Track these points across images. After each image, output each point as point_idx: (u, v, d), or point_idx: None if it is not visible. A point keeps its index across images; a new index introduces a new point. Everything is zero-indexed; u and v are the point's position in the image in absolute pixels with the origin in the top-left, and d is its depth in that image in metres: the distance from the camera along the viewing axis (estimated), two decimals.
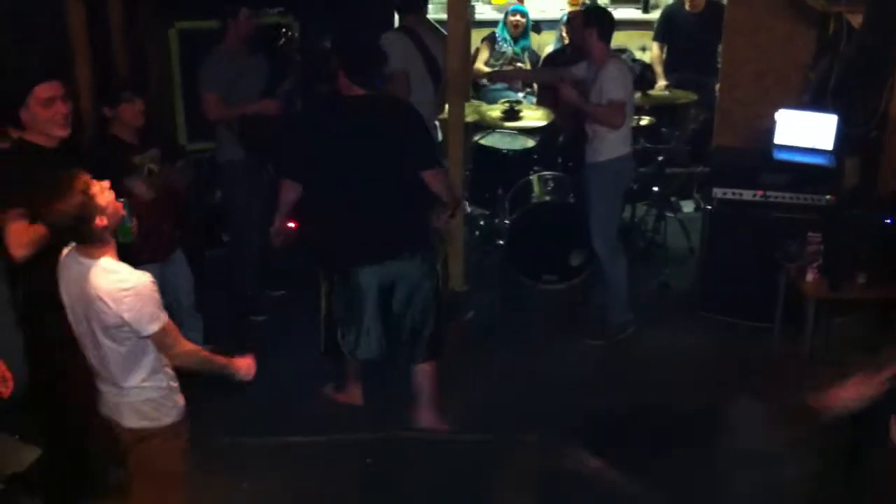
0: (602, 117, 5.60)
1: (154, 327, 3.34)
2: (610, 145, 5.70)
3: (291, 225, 6.57)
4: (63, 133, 3.99)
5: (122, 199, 4.17)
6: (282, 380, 5.00)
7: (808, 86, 6.28)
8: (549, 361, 5.69)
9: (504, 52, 8.57)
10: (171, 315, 5.11)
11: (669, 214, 7.31)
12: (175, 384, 3.59)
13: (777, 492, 4.38)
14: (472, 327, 6.13)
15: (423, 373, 4.91)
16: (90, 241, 3.34)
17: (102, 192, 3.38)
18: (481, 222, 7.09)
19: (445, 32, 6.00)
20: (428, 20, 6.42)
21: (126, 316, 3.28)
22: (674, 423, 4.87)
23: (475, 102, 7.74)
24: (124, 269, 3.35)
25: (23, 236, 3.72)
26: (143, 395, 3.50)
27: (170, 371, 3.56)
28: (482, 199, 7.04)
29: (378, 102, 4.73)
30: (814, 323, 5.26)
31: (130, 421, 3.54)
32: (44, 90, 3.93)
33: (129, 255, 4.74)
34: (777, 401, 4.80)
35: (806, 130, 5.99)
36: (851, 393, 3.45)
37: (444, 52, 5.92)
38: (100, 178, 4.61)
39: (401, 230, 4.74)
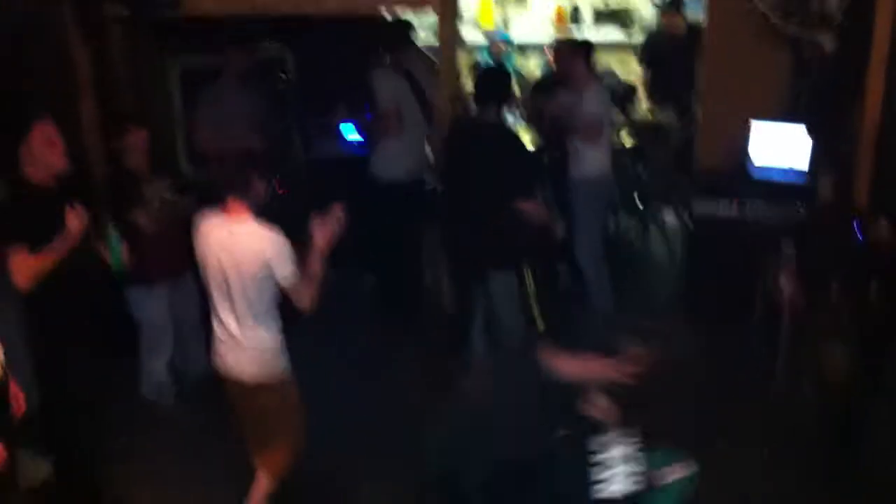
0: (586, 133, 5.91)
1: (289, 274, 3.88)
2: (591, 162, 6.01)
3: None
4: (61, 165, 4.20)
5: (112, 231, 4.45)
6: None
7: (784, 108, 6.50)
8: None
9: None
10: (178, 331, 5.42)
11: (653, 228, 7.54)
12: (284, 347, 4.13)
13: None
14: None
15: None
16: (245, 194, 3.89)
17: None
18: None
19: (434, 59, 6.25)
20: (417, 50, 6.67)
21: (268, 258, 3.82)
22: None
23: None
24: (262, 225, 3.88)
25: (26, 268, 4.04)
26: (266, 346, 4.04)
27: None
28: None
29: (491, 129, 5.20)
30: (789, 324, 5.49)
31: (252, 371, 4.05)
32: (43, 128, 4.15)
33: (143, 277, 5.04)
34: None
35: (781, 148, 6.22)
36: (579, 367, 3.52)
37: (432, 81, 6.18)
38: (113, 208, 4.92)
39: (499, 245, 5.24)
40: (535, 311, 5.47)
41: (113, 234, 4.46)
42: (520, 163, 5.29)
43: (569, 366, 3.39)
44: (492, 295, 5.37)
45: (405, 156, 6.16)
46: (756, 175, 6.26)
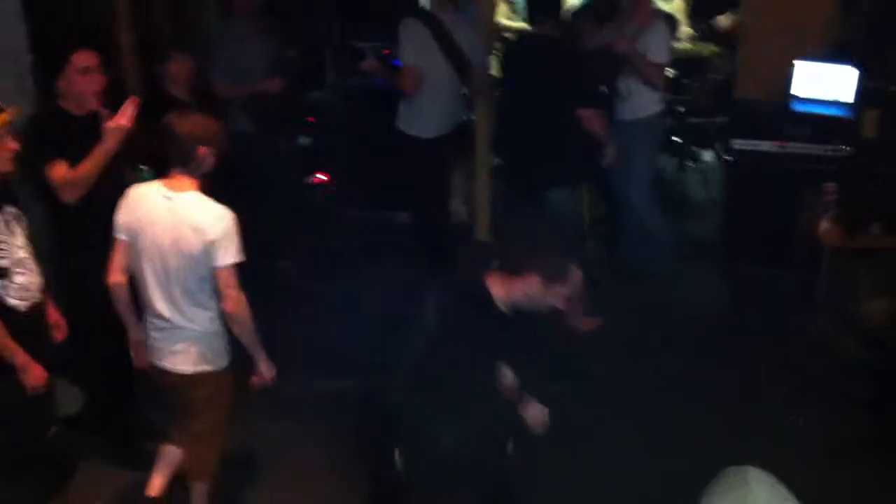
0: (651, 75, 5.71)
1: (229, 260, 3.44)
2: (647, 102, 5.82)
3: (323, 177, 6.84)
4: (95, 106, 4.06)
5: (143, 167, 4.40)
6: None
7: (831, 39, 6.32)
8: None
9: (518, 3, 8.57)
10: None
11: (690, 164, 7.43)
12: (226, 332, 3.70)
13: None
14: None
15: None
16: (189, 168, 3.51)
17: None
18: None
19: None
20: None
21: (211, 239, 3.40)
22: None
23: None
24: (212, 202, 3.50)
25: (70, 178, 3.92)
26: (205, 337, 3.61)
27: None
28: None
29: (544, 45, 5.31)
30: (829, 270, 5.43)
31: (186, 366, 3.64)
32: (81, 58, 4.04)
33: None
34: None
35: (825, 83, 6.06)
36: None
37: (475, 36, 5.78)
38: (148, 136, 4.85)
39: (558, 162, 5.28)
40: (587, 230, 5.54)
41: (144, 171, 4.40)
42: (579, 72, 5.27)
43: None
44: (552, 212, 5.38)
45: (427, 115, 5.72)
46: (798, 110, 6.09)
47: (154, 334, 3.66)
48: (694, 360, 5.33)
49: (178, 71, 4.97)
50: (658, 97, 5.89)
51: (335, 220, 6.99)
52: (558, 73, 5.17)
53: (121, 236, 3.60)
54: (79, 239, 4.15)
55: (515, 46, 5.86)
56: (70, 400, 4.47)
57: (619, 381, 5.13)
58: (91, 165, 3.94)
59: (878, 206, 5.25)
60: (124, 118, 3.96)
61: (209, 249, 3.43)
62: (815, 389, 5.01)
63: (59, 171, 3.95)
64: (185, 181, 3.52)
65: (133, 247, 3.57)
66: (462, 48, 5.62)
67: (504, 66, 5.59)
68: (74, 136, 4.01)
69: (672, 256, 6.12)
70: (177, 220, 3.46)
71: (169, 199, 3.49)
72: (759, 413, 4.79)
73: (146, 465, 4.40)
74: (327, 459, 4.48)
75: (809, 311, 5.56)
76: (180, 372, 3.66)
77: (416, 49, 5.53)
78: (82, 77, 4.03)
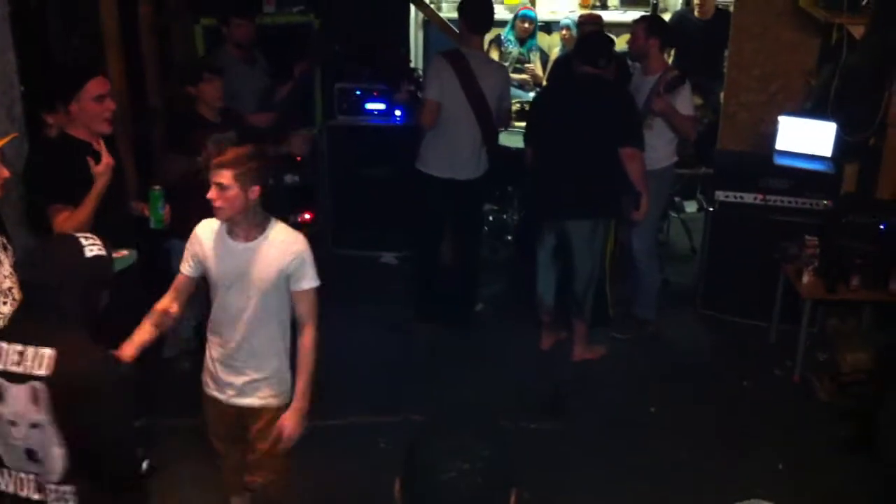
0: (687, 128, 5.85)
1: (310, 284, 3.64)
2: (662, 154, 5.87)
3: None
4: (107, 130, 4.09)
5: (156, 188, 4.43)
6: None
7: (811, 93, 6.44)
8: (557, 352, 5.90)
9: (510, 53, 8.68)
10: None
11: (673, 214, 7.49)
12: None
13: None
14: (483, 320, 6.34)
15: (577, 328, 5.79)
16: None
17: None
18: (490, 218, 7.27)
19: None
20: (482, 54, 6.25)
21: (291, 265, 3.58)
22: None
23: None
24: (287, 230, 3.65)
25: (67, 228, 3.88)
26: (278, 374, 3.75)
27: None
28: (492, 196, 7.15)
29: (599, 81, 5.47)
30: (809, 322, 5.48)
31: (256, 400, 3.75)
32: (97, 86, 4.04)
33: (183, 230, 4.99)
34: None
35: (806, 137, 6.15)
36: None
37: (500, 80, 5.90)
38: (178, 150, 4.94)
39: (587, 196, 5.42)
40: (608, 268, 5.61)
41: (157, 191, 4.44)
42: (629, 110, 5.48)
43: None
44: (572, 245, 5.53)
45: (441, 153, 5.79)
46: (780, 163, 6.15)
47: (224, 378, 3.82)
48: (674, 403, 5.36)
49: (209, 92, 5.07)
50: (673, 150, 5.94)
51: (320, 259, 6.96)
52: (609, 107, 5.38)
53: None
54: None
55: (562, 81, 6.16)
56: None
57: (601, 422, 5.15)
58: (85, 212, 3.94)
59: (858, 258, 5.32)
60: (109, 157, 3.97)
61: (290, 273, 3.66)
62: (795, 434, 5.06)
63: (60, 218, 3.93)
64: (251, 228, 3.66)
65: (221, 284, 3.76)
66: (483, 90, 5.74)
67: (544, 98, 5.88)
68: (78, 165, 3.95)
69: (656, 305, 6.14)
70: (256, 259, 3.66)
71: (242, 246, 3.67)
72: (739, 457, 4.80)
73: None
74: None
75: (789, 360, 5.60)
76: (250, 406, 3.82)
77: (436, 84, 5.72)
78: (97, 104, 4.04)
